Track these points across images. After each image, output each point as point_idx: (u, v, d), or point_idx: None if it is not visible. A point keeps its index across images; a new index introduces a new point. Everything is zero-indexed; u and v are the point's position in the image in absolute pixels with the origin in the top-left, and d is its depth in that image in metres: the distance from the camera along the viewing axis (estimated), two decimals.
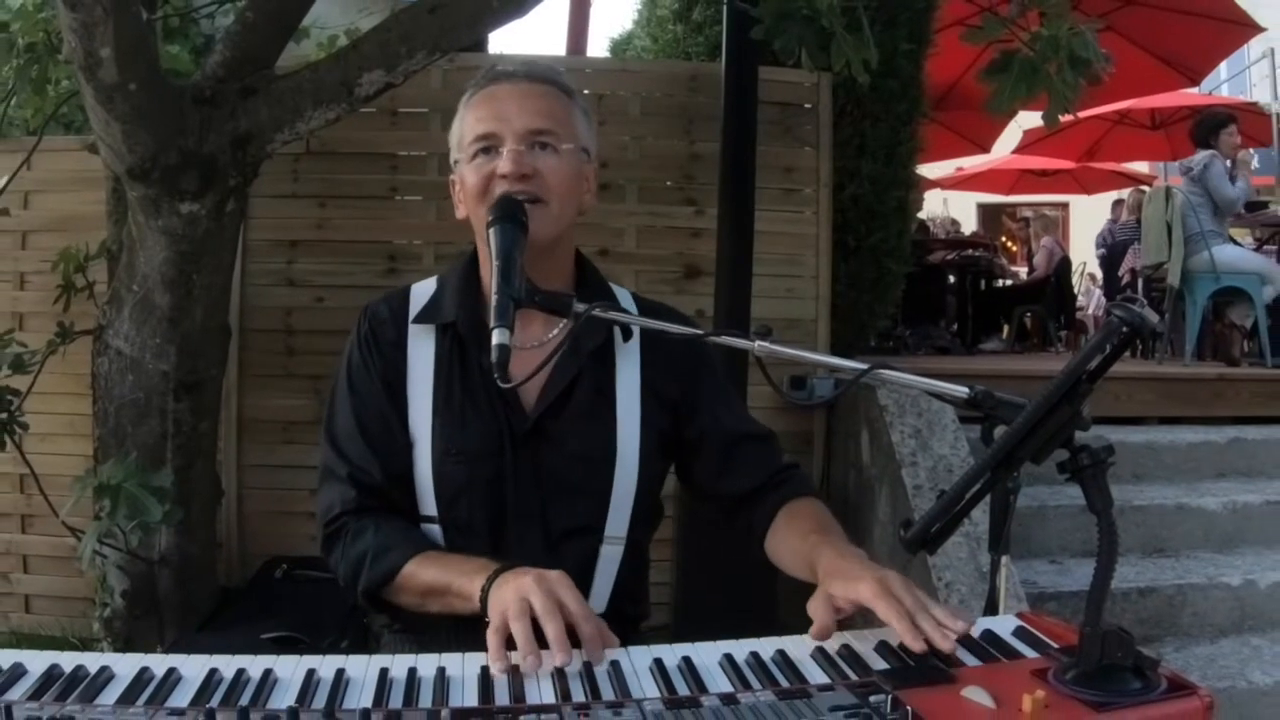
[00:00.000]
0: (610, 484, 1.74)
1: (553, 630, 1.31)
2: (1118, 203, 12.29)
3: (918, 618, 1.32)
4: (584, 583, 1.69)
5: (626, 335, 1.77)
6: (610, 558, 1.75)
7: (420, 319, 1.78)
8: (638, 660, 1.31)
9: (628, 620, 1.79)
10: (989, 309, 9.94)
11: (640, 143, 5.00)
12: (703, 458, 1.86)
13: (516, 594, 1.38)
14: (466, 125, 1.74)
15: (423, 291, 1.83)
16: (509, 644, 1.32)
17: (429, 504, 1.72)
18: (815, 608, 1.40)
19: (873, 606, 1.36)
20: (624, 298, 1.87)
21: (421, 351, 1.76)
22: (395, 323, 1.79)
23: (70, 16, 3.00)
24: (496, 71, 1.79)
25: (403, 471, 1.73)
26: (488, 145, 1.69)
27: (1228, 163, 6.67)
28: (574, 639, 1.34)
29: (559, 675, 1.27)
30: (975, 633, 1.36)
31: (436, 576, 1.58)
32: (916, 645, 1.28)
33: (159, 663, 1.28)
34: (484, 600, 1.45)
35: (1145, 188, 11.21)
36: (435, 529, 1.72)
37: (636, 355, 1.79)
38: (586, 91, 5.01)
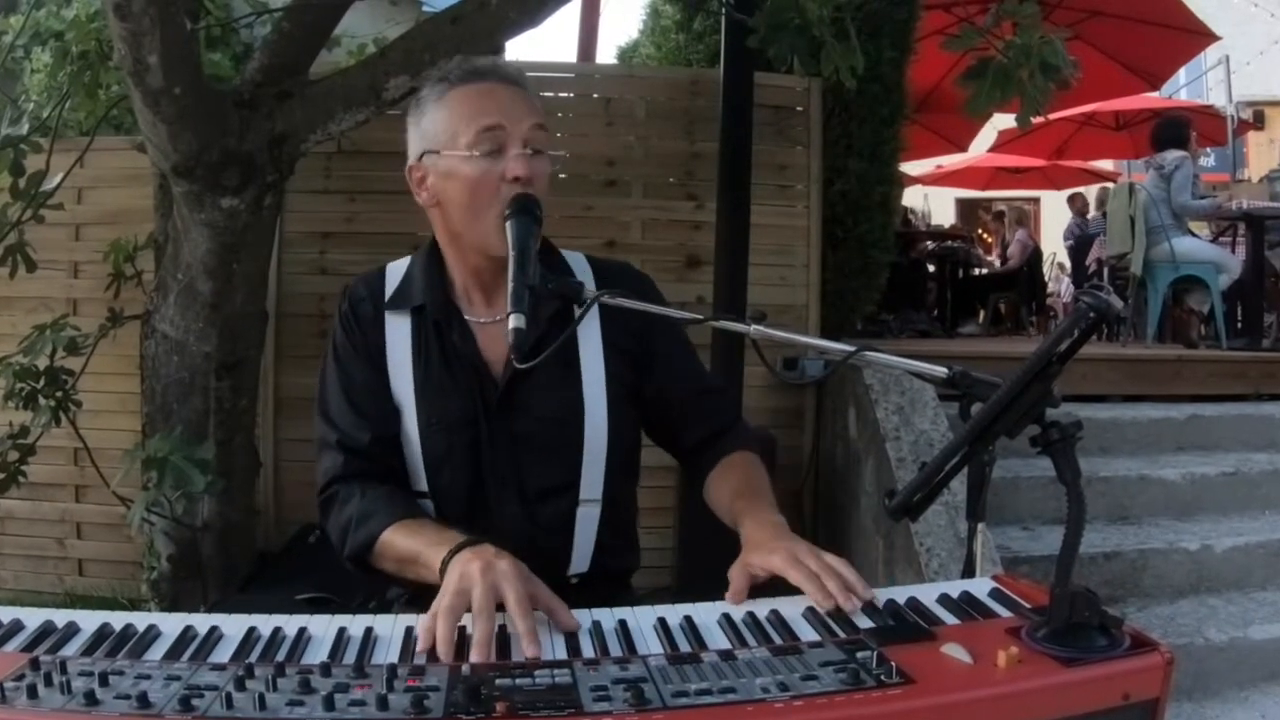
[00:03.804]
0: (581, 443, 1.69)
1: (479, 633, 1.22)
2: (1073, 197, 12.29)
3: (824, 578, 1.34)
4: (564, 543, 1.68)
5: (581, 299, 1.56)
6: (588, 518, 1.70)
7: (392, 304, 1.73)
8: (643, 619, 1.30)
9: (614, 575, 1.76)
10: (966, 296, 9.92)
11: (645, 143, 4.99)
12: (661, 414, 1.81)
13: (460, 584, 1.30)
14: (459, 118, 1.62)
15: (396, 271, 1.78)
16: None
17: (420, 478, 1.69)
18: (734, 575, 1.41)
19: (785, 575, 1.37)
20: (577, 261, 1.79)
21: (399, 329, 1.72)
22: (373, 300, 1.74)
23: (120, 26, 3.00)
24: (479, 68, 1.67)
25: (391, 434, 1.69)
26: (494, 145, 1.59)
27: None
28: (575, 603, 1.33)
29: (568, 634, 1.27)
30: (954, 594, 1.35)
31: (410, 546, 1.53)
32: (826, 605, 1.31)
33: (202, 622, 1.28)
34: (443, 575, 1.38)
35: (1109, 184, 11.16)
36: (428, 504, 1.69)
37: (595, 314, 1.70)
38: (595, 95, 5.03)
